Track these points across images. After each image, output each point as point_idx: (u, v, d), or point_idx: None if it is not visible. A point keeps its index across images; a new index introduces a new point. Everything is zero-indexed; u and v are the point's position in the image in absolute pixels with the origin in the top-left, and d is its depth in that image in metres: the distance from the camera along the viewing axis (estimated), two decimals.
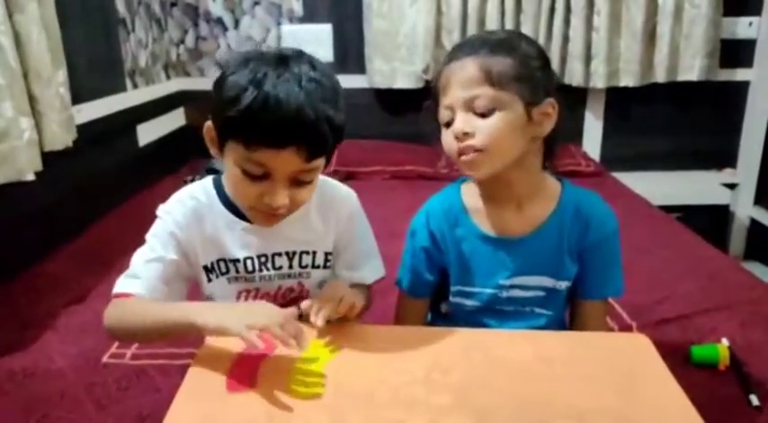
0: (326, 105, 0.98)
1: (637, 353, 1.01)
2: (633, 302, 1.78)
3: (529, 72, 1.08)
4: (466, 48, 1.11)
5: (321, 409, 0.89)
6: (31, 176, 1.84)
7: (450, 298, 1.25)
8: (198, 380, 0.96)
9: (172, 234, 1.13)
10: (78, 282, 2.01)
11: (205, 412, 0.88)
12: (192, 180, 3.42)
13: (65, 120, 2.05)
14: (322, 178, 1.17)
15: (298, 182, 1.05)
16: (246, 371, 0.96)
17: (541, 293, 1.21)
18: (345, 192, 1.26)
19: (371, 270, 1.26)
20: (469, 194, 1.23)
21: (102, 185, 2.60)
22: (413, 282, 1.27)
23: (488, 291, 1.22)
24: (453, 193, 1.24)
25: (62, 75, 2.04)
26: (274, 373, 0.96)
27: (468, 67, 1.08)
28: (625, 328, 1.66)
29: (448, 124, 1.12)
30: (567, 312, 1.29)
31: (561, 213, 1.18)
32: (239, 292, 1.20)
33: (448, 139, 1.12)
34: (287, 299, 1.22)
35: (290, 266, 1.20)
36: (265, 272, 1.18)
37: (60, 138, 2.02)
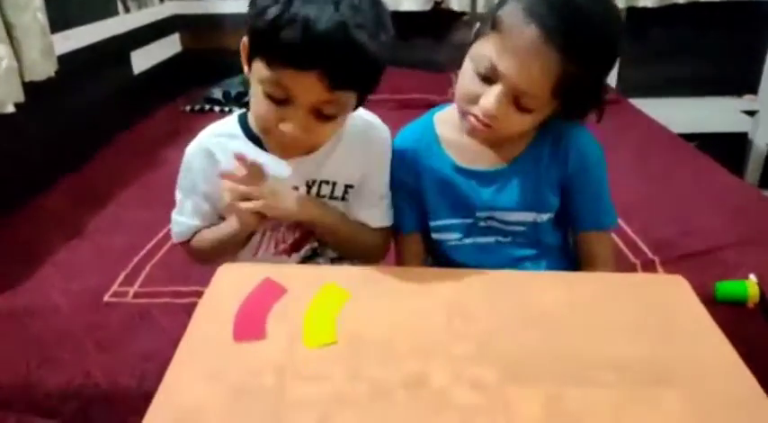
0: (361, 32, 0.89)
1: (674, 296, 0.94)
2: (655, 236, 1.71)
3: (589, 79, 0.98)
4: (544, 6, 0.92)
5: (334, 360, 0.82)
6: (11, 108, 1.74)
7: (432, 235, 1.19)
8: (203, 328, 0.89)
9: (194, 187, 1.16)
10: (77, 216, 1.94)
11: (211, 365, 0.82)
12: (192, 110, 3.27)
13: (45, 47, 1.91)
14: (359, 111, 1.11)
15: (320, 114, 0.97)
16: (254, 318, 0.89)
17: (521, 228, 1.15)
18: (380, 127, 1.18)
19: (379, 214, 1.18)
20: (443, 124, 1.17)
21: (97, 117, 2.49)
22: (398, 216, 1.20)
23: (467, 221, 1.15)
24: (426, 124, 1.19)
25: None
26: (283, 322, 0.89)
27: (539, 50, 0.92)
28: (647, 263, 1.59)
29: (481, 76, 0.99)
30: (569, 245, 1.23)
31: (539, 146, 1.12)
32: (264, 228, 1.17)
33: (469, 89, 1.02)
34: (305, 231, 1.18)
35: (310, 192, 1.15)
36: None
37: (41, 67, 1.90)
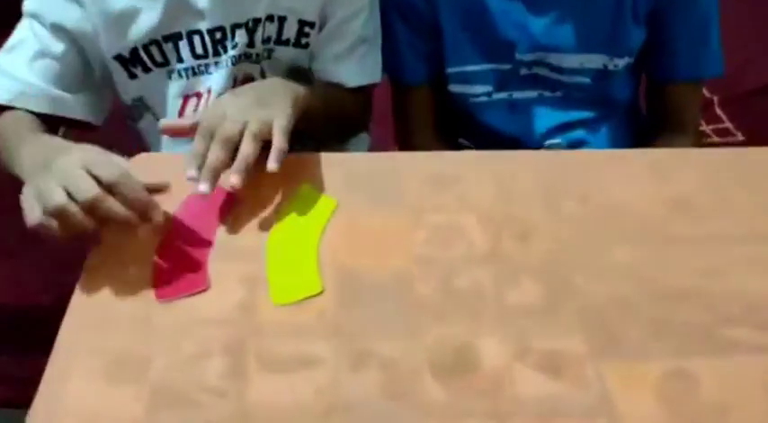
0: None
1: None
2: None
3: None
4: None
5: (321, 327, 0.51)
6: None
7: (450, 87, 0.81)
8: (100, 279, 0.55)
9: (53, 24, 0.69)
10: None
11: (116, 344, 0.50)
12: None
13: None
14: None
15: None
16: (188, 257, 0.56)
17: (586, 79, 0.79)
18: None
19: (357, 67, 0.77)
20: None
21: None
22: (399, 62, 0.81)
23: (504, 67, 0.79)
24: None
25: None
26: (234, 259, 0.56)
27: None
28: (705, 102, 1.27)
29: None
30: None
31: None
32: (184, 98, 0.76)
33: None
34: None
35: (251, 43, 0.74)
36: (221, 55, 0.74)
37: None
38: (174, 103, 0.75)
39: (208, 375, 0.48)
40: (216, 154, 0.56)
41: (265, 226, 0.59)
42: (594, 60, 0.77)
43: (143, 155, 0.67)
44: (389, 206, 0.61)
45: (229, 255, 0.57)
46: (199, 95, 0.75)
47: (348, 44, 0.76)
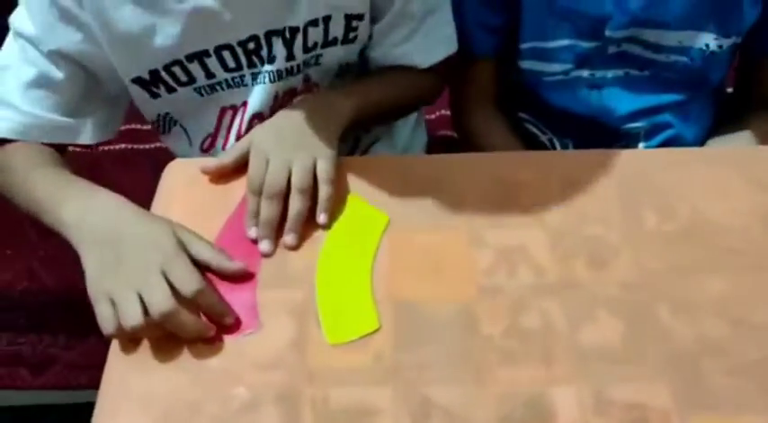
0: None
1: None
2: None
3: None
4: None
5: (380, 369, 0.47)
6: None
7: (519, 62, 0.73)
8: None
9: (51, 51, 0.59)
10: None
11: (165, 393, 0.47)
12: None
13: None
14: None
15: None
16: (234, 297, 0.51)
17: (683, 59, 0.69)
18: None
19: (424, 45, 0.68)
20: None
21: None
22: (468, 30, 0.72)
23: (584, 44, 0.69)
24: None
25: None
26: (279, 289, 0.52)
27: None
28: None
29: None
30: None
31: None
32: (220, 111, 0.68)
33: None
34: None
35: (290, 55, 0.64)
36: (257, 67, 0.65)
37: None
38: (205, 118, 0.68)
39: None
40: (267, 211, 0.54)
41: (313, 247, 0.54)
42: (698, 39, 0.67)
43: (176, 162, 0.62)
44: (449, 221, 0.56)
45: (276, 281, 0.52)
46: (235, 109, 0.67)
47: (414, 25, 0.67)
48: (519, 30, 0.70)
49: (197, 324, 0.48)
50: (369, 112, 0.63)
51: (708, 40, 0.67)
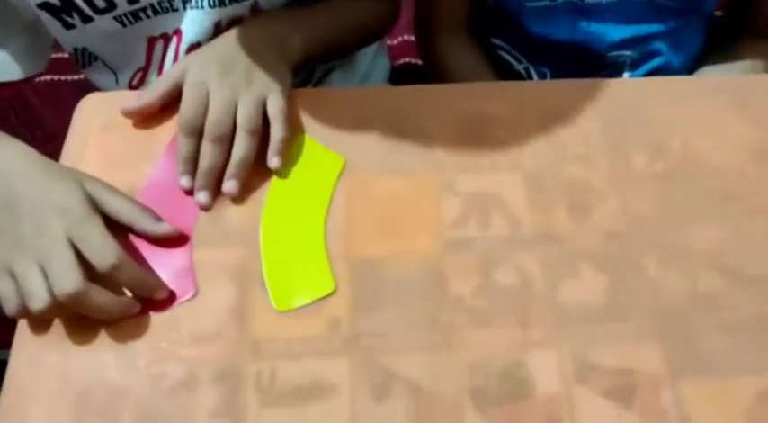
0: None
1: None
2: None
3: None
4: None
5: (338, 339, 0.41)
6: None
7: None
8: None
9: None
10: None
11: (87, 377, 0.40)
12: None
13: None
14: None
15: None
16: (166, 260, 0.44)
17: None
18: None
19: None
20: None
21: None
22: None
23: None
24: None
25: None
26: (217, 247, 0.44)
27: None
28: None
29: None
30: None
31: None
32: (148, 42, 0.58)
33: None
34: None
35: None
36: None
37: None
38: (131, 52, 0.58)
39: (198, 410, 0.39)
40: (210, 156, 0.46)
41: (257, 198, 0.47)
42: None
43: (93, 95, 0.53)
44: (412, 164, 0.49)
45: (213, 238, 0.45)
46: (166, 38, 0.57)
47: None
48: None
49: (116, 304, 0.40)
50: (319, 46, 0.55)
51: None
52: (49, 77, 0.99)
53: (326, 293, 0.43)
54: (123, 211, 0.43)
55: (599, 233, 0.45)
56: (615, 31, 0.64)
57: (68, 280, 0.38)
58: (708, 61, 0.67)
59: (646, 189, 0.47)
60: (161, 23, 0.56)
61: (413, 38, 0.74)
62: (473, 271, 0.44)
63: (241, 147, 0.46)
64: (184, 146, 0.46)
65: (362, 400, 0.39)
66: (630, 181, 0.47)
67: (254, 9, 0.57)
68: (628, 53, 0.65)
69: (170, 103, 0.49)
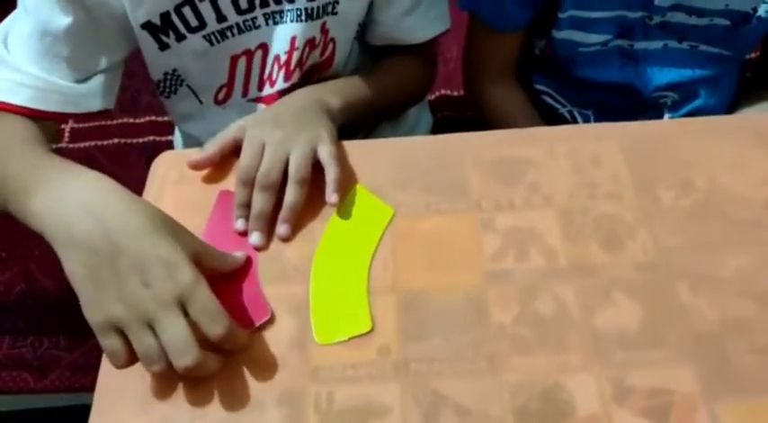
0: None
1: None
2: None
3: None
4: None
5: (378, 369, 0.45)
6: None
7: (555, 32, 0.69)
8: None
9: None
10: None
11: (166, 397, 0.45)
12: None
13: None
14: None
15: None
16: (236, 288, 0.49)
17: (724, 22, 0.65)
18: None
19: (429, 19, 0.68)
20: None
21: None
22: (503, 5, 0.68)
23: (630, 15, 0.65)
24: None
25: None
26: (277, 284, 0.49)
27: None
28: None
29: None
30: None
31: None
32: (231, 60, 0.65)
33: None
34: (305, 67, 0.67)
35: None
36: (269, 6, 0.62)
37: None
38: (215, 70, 0.65)
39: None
40: (260, 203, 0.51)
41: (311, 239, 0.52)
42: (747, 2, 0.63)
43: (166, 153, 0.59)
44: (453, 204, 0.53)
45: (274, 275, 0.50)
46: (249, 54, 0.64)
47: None
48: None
49: (219, 364, 0.43)
50: (360, 105, 0.62)
51: (755, 3, 0.63)
52: (116, 140, 1.08)
53: (363, 331, 0.46)
54: (224, 265, 0.47)
55: (631, 264, 0.48)
56: (660, 76, 0.68)
57: (188, 355, 0.39)
58: (746, 103, 0.71)
59: (674, 222, 0.50)
60: (244, 41, 0.64)
61: (450, 92, 0.80)
62: (513, 301, 0.47)
63: (291, 194, 0.51)
64: (239, 194, 0.52)
65: (413, 420, 0.42)
66: (659, 215, 0.51)
67: (324, 32, 0.65)
68: (670, 94, 0.68)
69: (231, 158, 0.55)
